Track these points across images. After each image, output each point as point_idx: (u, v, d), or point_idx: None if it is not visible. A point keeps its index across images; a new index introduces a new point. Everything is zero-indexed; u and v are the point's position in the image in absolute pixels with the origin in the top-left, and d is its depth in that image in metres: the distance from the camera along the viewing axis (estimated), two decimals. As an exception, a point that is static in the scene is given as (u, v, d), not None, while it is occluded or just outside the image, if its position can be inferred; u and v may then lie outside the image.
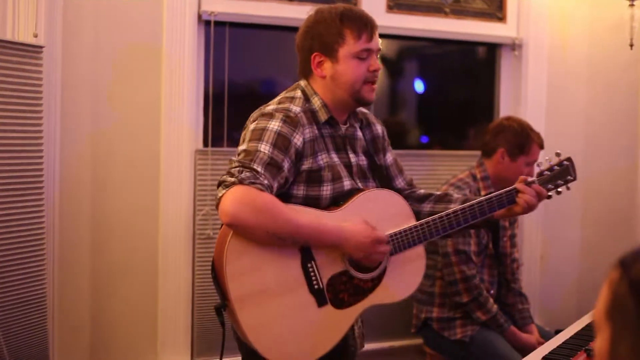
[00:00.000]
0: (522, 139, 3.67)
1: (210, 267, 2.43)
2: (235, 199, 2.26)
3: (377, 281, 2.57)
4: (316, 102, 2.57)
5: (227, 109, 3.76)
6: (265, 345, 2.36)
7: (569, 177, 2.77)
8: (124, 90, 3.56)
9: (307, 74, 2.62)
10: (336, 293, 2.48)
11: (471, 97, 4.74)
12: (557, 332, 3.23)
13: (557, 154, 2.76)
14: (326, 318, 2.46)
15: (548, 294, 4.58)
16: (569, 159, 2.78)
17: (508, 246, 3.84)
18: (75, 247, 3.49)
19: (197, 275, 3.69)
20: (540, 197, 2.68)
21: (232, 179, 2.29)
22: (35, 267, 3.07)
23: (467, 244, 3.59)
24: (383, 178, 2.76)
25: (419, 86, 4.60)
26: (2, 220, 2.92)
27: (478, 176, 3.72)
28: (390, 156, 2.86)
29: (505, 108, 4.49)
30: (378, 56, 2.62)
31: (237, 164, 2.36)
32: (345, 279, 2.50)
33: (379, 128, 2.84)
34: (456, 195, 2.79)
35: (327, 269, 2.46)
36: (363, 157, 2.72)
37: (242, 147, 2.43)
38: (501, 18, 4.45)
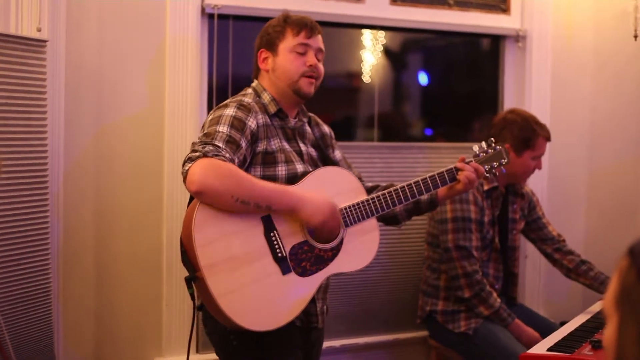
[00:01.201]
0: (528, 134, 3.68)
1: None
2: (202, 168, 2.41)
3: (336, 251, 2.72)
4: (266, 97, 2.82)
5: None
6: (235, 311, 2.47)
7: (502, 160, 3.03)
8: (128, 84, 3.55)
9: (256, 72, 2.91)
10: (299, 262, 2.63)
11: (475, 89, 4.73)
12: (562, 323, 3.24)
13: (490, 140, 3.05)
14: (291, 285, 2.60)
15: (553, 285, 4.57)
16: (501, 144, 3.07)
17: (517, 239, 3.84)
18: (79, 242, 3.49)
19: (201, 269, 3.69)
20: (478, 173, 2.94)
21: (197, 154, 2.45)
22: (40, 261, 3.08)
23: (468, 240, 3.59)
24: None
25: (423, 78, 4.60)
26: (6, 215, 2.92)
27: None
28: (339, 153, 3.08)
29: (510, 100, 4.48)
30: (320, 57, 2.86)
31: (199, 142, 2.53)
32: (307, 248, 2.65)
33: (326, 128, 3.07)
34: (401, 184, 2.95)
35: (289, 238, 2.62)
36: (312, 149, 2.95)
37: (202, 133, 2.63)
38: (505, 10, 4.44)
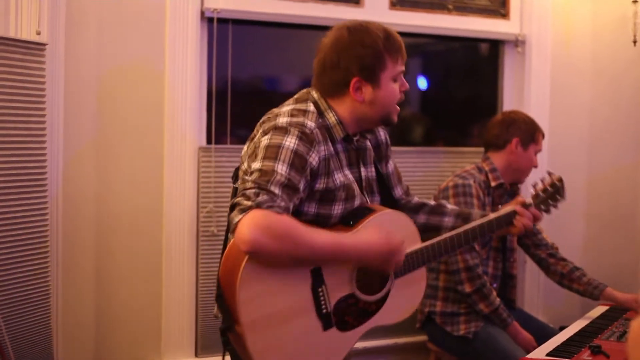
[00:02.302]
0: (533, 129, 3.83)
1: (215, 284, 2.40)
2: (254, 225, 2.16)
3: (380, 303, 2.57)
4: (331, 118, 2.51)
5: (231, 106, 3.76)
6: None
7: (558, 197, 2.98)
8: (127, 88, 3.56)
9: (331, 92, 2.54)
10: (342, 316, 2.46)
11: (474, 94, 4.74)
12: (562, 328, 3.24)
13: (549, 173, 2.98)
14: (330, 341, 2.45)
15: (552, 290, 4.56)
16: (560, 180, 2.97)
17: (515, 241, 3.86)
18: (79, 245, 3.49)
19: (201, 273, 3.69)
20: (536, 220, 2.86)
21: (249, 203, 2.19)
22: (39, 265, 3.07)
23: None
24: (385, 187, 2.76)
25: (422, 83, 4.60)
26: (5, 219, 2.92)
27: (486, 168, 3.78)
28: (391, 164, 2.86)
29: (509, 105, 4.48)
30: None
31: (252, 184, 2.26)
32: (352, 301, 2.49)
33: (382, 134, 2.81)
34: (450, 206, 2.88)
35: (336, 291, 2.44)
36: (372, 169, 2.71)
37: (256, 166, 2.32)
38: (504, 14, 4.44)
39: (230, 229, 2.24)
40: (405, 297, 2.64)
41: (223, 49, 3.77)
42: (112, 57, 3.52)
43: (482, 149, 3.93)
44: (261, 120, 2.53)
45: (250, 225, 2.15)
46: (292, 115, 2.44)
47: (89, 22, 3.47)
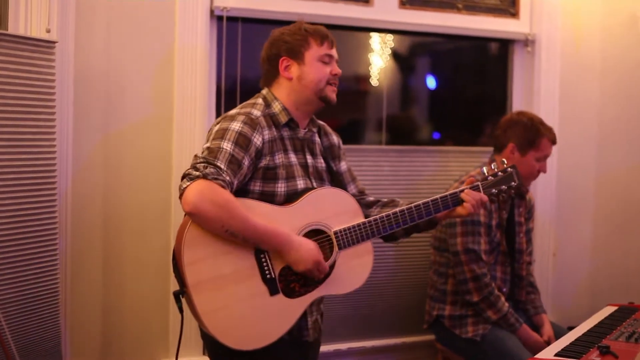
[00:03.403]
0: (532, 134, 3.66)
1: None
2: (199, 191, 2.43)
3: (327, 274, 2.73)
4: (276, 107, 2.80)
5: (239, 104, 3.76)
6: (220, 330, 2.53)
7: (512, 183, 2.99)
8: (137, 86, 3.56)
9: (270, 81, 2.87)
10: (287, 283, 2.66)
11: (483, 93, 4.73)
12: (570, 328, 3.23)
13: (502, 162, 3.01)
14: (278, 306, 2.63)
15: (561, 290, 4.56)
16: (513, 166, 3.01)
17: (524, 242, 3.82)
18: (87, 242, 3.50)
19: (208, 271, 3.69)
20: (482, 203, 2.92)
21: (197, 173, 2.47)
22: (48, 262, 3.08)
23: (477, 243, 3.58)
24: (338, 183, 2.94)
25: (431, 82, 4.59)
26: (14, 215, 2.92)
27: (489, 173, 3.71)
28: (344, 164, 3.07)
29: (518, 104, 4.47)
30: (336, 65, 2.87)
31: (201, 160, 2.55)
32: None
33: (334, 138, 3.05)
34: (402, 201, 2.97)
35: (280, 260, 2.64)
36: (321, 161, 2.94)
37: (206, 145, 2.62)
38: (514, 14, 4.43)
39: (179, 194, 2.49)
40: (351, 269, 2.79)
41: (232, 47, 3.78)
42: (121, 55, 3.53)
43: (490, 149, 3.92)
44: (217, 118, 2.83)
45: (194, 190, 2.44)
46: (241, 108, 2.80)
47: (98, 21, 3.47)
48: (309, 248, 2.65)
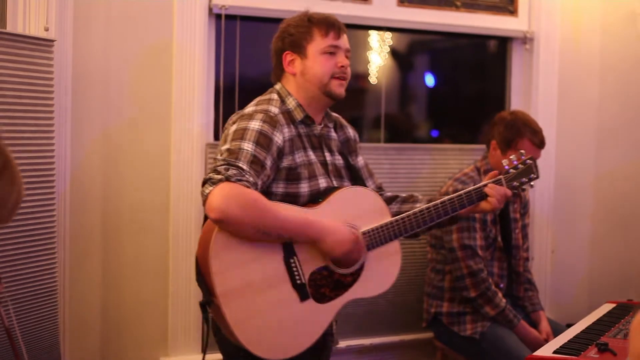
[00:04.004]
0: (512, 133, 3.63)
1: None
2: (224, 196, 2.34)
3: (356, 275, 2.67)
4: (291, 103, 2.72)
5: (238, 102, 3.76)
6: (251, 340, 2.43)
7: (532, 175, 2.90)
8: (135, 84, 3.56)
9: (279, 75, 2.79)
10: (317, 287, 2.57)
11: (482, 91, 4.73)
12: (569, 326, 3.22)
13: (521, 153, 2.90)
14: (308, 312, 2.54)
15: (559, 288, 4.57)
16: (531, 158, 2.91)
17: (520, 238, 3.83)
18: (86, 241, 3.50)
19: (207, 269, 3.69)
20: (507, 198, 2.83)
21: (219, 176, 2.37)
22: (47, 261, 3.08)
23: (473, 239, 3.58)
24: (356, 179, 2.86)
25: (430, 80, 4.59)
26: (13, 214, 2.92)
27: (482, 169, 3.71)
28: (361, 159, 3.01)
29: (517, 102, 4.47)
30: (348, 56, 2.76)
31: (222, 162, 2.45)
32: (326, 273, 2.59)
33: (350, 131, 2.98)
34: (421, 196, 2.94)
35: (309, 264, 2.55)
36: (339, 157, 2.85)
37: (224, 147, 2.52)
38: (512, 11, 4.43)
39: (202, 200, 2.40)
40: (381, 270, 2.73)
41: (231, 45, 3.77)
42: (119, 53, 3.53)
43: (488, 147, 3.93)
44: (232, 116, 2.74)
45: (219, 194, 2.34)
46: (257, 105, 2.70)
47: (96, 19, 3.47)
48: (345, 228, 2.57)
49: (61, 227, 3.33)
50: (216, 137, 3.75)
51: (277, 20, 3.88)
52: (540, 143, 3.64)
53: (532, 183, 2.91)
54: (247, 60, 3.83)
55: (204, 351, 2.64)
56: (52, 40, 3.12)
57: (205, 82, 3.67)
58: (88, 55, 3.46)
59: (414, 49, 4.54)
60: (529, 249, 3.99)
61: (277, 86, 2.78)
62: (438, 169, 4.26)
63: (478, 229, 3.60)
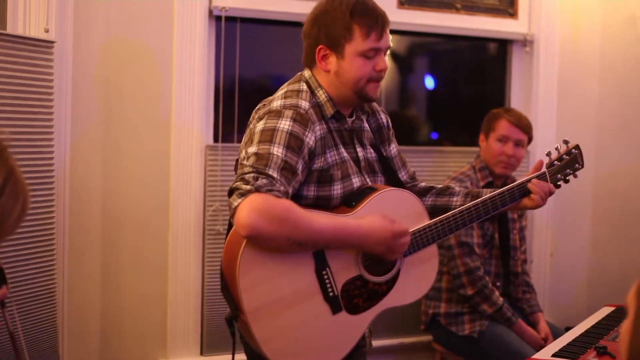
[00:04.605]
0: (490, 118, 3.80)
1: (219, 275, 2.37)
2: (254, 209, 2.14)
3: (391, 284, 2.52)
4: (321, 96, 2.48)
5: (238, 104, 3.76)
6: (279, 356, 2.30)
7: (577, 166, 2.77)
8: (135, 86, 3.56)
9: (310, 64, 2.53)
10: (350, 299, 2.42)
11: (482, 93, 4.73)
12: (567, 329, 3.23)
13: (565, 142, 2.77)
14: (341, 325, 2.40)
15: (558, 290, 4.57)
16: (577, 147, 2.78)
17: (517, 239, 3.83)
18: (85, 242, 3.50)
19: (207, 271, 3.69)
20: (550, 194, 2.67)
21: (248, 187, 2.17)
22: (46, 261, 3.08)
23: (470, 236, 3.59)
24: (389, 171, 2.68)
25: (430, 82, 4.59)
26: (12, 215, 2.92)
27: (477, 167, 3.75)
28: (394, 147, 2.79)
29: (517, 104, 4.47)
30: (387, 54, 2.50)
31: (250, 169, 2.24)
32: (360, 283, 2.44)
33: (383, 117, 2.74)
34: (457, 188, 2.77)
35: (342, 274, 2.40)
36: (371, 150, 2.64)
37: (252, 149, 2.30)
38: (512, 14, 4.43)
39: (230, 213, 2.22)
40: (417, 276, 2.57)
41: (231, 47, 3.77)
42: (119, 54, 3.53)
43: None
44: (257, 108, 2.53)
45: (249, 209, 2.14)
46: (285, 97, 2.44)
47: (96, 20, 3.47)
48: (381, 223, 2.37)
49: (60, 228, 3.33)
50: (215, 139, 3.75)
51: (277, 23, 3.91)
52: (518, 123, 3.70)
53: (577, 173, 2.79)
54: (247, 62, 3.83)
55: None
56: (52, 42, 3.13)
57: (205, 83, 3.67)
58: (88, 56, 3.46)
59: (414, 51, 4.54)
60: (527, 251, 3.99)
61: (307, 74, 2.53)
62: (438, 171, 4.26)
63: (475, 226, 3.61)
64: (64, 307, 3.39)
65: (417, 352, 4.22)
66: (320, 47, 2.45)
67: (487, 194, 2.65)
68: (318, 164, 2.39)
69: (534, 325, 3.73)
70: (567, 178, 2.76)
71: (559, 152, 2.76)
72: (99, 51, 3.49)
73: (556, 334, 3.59)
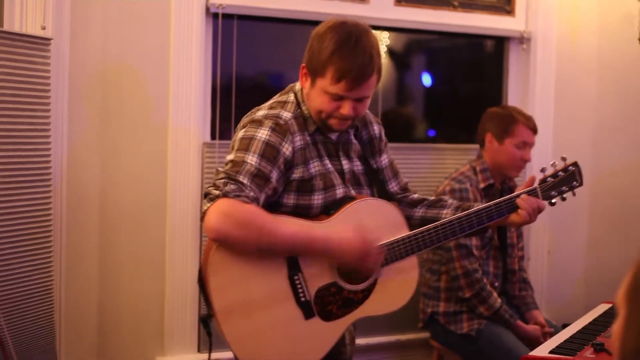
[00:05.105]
0: (506, 121, 3.69)
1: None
2: (220, 213, 2.23)
3: (367, 293, 2.53)
4: (306, 110, 2.52)
5: (235, 101, 3.76)
6: (251, 358, 2.36)
7: (574, 183, 2.73)
8: (132, 83, 3.56)
9: (299, 77, 2.56)
10: (324, 305, 2.44)
11: (479, 90, 4.73)
12: (564, 326, 3.23)
13: (563, 159, 2.72)
14: (313, 331, 2.42)
15: (555, 288, 4.57)
16: (575, 164, 2.74)
17: (515, 237, 3.83)
18: (82, 240, 3.50)
19: (204, 268, 3.69)
20: (539, 211, 2.64)
21: (217, 192, 2.27)
22: (43, 259, 3.08)
23: (468, 238, 3.58)
24: (377, 183, 2.70)
25: (427, 80, 4.59)
26: (9, 212, 2.92)
27: (477, 169, 3.72)
28: (386, 158, 2.78)
29: (513, 101, 4.47)
30: (365, 101, 2.48)
31: (222, 175, 2.34)
32: (335, 290, 2.46)
33: (376, 128, 2.75)
34: (450, 201, 2.75)
35: (315, 280, 2.42)
36: (358, 163, 2.66)
37: (229, 157, 2.39)
38: (509, 11, 4.44)
39: (200, 217, 2.31)
40: (394, 287, 2.57)
41: (228, 44, 3.77)
42: (116, 51, 3.52)
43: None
44: (246, 115, 2.57)
45: (216, 212, 2.23)
46: (270, 108, 2.51)
47: (93, 17, 3.47)
48: (351, 236, 2.38)
49: (57, 226, 3.33)
50: (213, 136, 3.75)
51: (275, 20, 3.91)
52: (534, 127, 3.71)
53: (574, 191, 2.75)
54: (244, 59, 3.83)
55: (209, 355, 2.55)
56: (49, 39, 3.12)
57: (202, 81, 3.67)
58: (85, 53, 3.46)
59: (411, 48, 4.54)
60: (525, 248, 4.00)
61: (297, 86, 2.58)
62: (435, 168, 4.27)
63: None
64: (61, 304, 3.39)
65: (415, 349, 4.22)
66: (303, 65, 2.50)
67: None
68: (297, 173, 2.44)
69: (529, 322, 3.74)
70: (563, 195, 2.73)
71: (554, 169, 2.72)
72: (96, 48, 3.48)
73: (553, 331, 3.59)
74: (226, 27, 3.75)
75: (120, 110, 3.54)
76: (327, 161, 2.53)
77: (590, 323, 3.08)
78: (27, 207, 3.00)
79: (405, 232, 2.55)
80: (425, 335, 4.00)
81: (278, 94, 2.61)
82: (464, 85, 4.74)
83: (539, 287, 4.41)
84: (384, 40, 4.23)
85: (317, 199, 2.47)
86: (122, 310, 3.61)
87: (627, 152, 4.59)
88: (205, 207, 2.27)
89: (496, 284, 3.73)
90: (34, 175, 3.04)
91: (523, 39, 4.43)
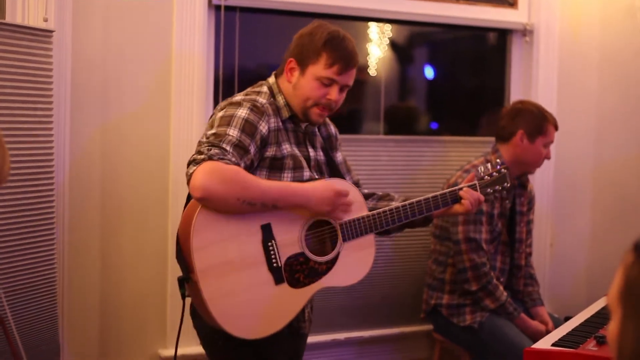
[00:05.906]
0: (540, 120, 3.70)
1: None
2: (206, 172, 2.41)
3: (330, 265, 2.73)
4: (280, 100, 2.76)
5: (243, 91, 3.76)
6: (224, 317, 2.50)
7: (505, 184, 3.04)
8: (134, 75, 3.55)
9: (279, 72, 2.82)
10: (292, 273, 2.64)
11: (481, 83, 4.73)
12: (567, 319, 3.23)
13: (496, 162, 3.09)
14: (282, 296, 2.62)
15: (557, 281, 4.57)
16: (506, 167, 3.06)
17: (525, 232, 3.83)
18: (85, 233, 3.50)
19: (206, 261, 3.69)
20: (479, 204, 2.95)
21: (202, 156, 2.45)
22: (45, 252, 3.08)
23: (478, 232, 3.58)
24: (337, 175, 2.92)
25: (429, 72, 4.59)
26: (12, 205, 2.92)
27: (493, 162, 3.70)
28: (340, 155, 3.05)
29: (516, 94, 4.47)
30: (345, 91, 2.79)
31: (206, 144, 2.52)
32: (302, 260, 2.66)
33: (332, 128, 3.04)
34: (397, 195, 3.00)
35: (286, 249, 2.63)
36: (321, 153, 2.91)
37: (211, 132, 2.59)
38: (512, 4, 4.43)
39: (187, 180, 2.47)
40: (354, 262, 2.79)
41: (230, 36, 3.77)
42: (119, 44, 3.52)
43: (488, 139, 3.92)
44: (221, 102, 2.80)
45: (202, 172, 2.41)
46: (245, 94, 2.76)
47: (96, 9, 3.46)
48: (323, 184, 2.66)
49: (60, 219, 3.32)
50: (215, 128, 3.74)
51: (277, 12, 3.90)
52: (557, 125, 3.81)
53: (504, 191, 3.08)
54: (246, 52, 3.83)
55: (180, 327, 2.71)
56: (51, 31, 3.12)
57: (204, 73, 3.66)
58: (87, 46, 3.45)
59: (413, 41, 4.53)
60: (531, 244, 3.99)
61: (271, 80, 2.82)
62: (437, 161, 4.26)
63: (484, 222, 3.61)
64: (63, 297, 3.40)
65: (416, 341, 4.23)
66: (291, 59, 2.75)
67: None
68: (270, 152, 2.66)
69: (534, 318, 3.74)
70: (495, 194, 3.04)
71: (489, 169, 3.02)
72: (98, 40, 3.48)
73: (556, 323, 3.60)
74: (229, 19, 3.75)
75: (122, 103, 3.54)
76: (295, 147, 2.76)
77: (592, 316, 3.08)
78: (30, 200, 3.00)
79: (365, 212, 2.81)
80: (427, 327, 4.01)
81: (249, 87, 2.83)
82: (467, 77, 4.73)
83: (541, 280, 4.40)
84: (386, 32, 4.23)
85: (287, 176, 2.69)
86: (125, 303, 3.62)
87: (629, 144, 4.58)
88: (191, 171, 2.44)
89: (501, 279, 3.73)
90: (36, 168, 3.04)
91: (526, 32, 4.43)
